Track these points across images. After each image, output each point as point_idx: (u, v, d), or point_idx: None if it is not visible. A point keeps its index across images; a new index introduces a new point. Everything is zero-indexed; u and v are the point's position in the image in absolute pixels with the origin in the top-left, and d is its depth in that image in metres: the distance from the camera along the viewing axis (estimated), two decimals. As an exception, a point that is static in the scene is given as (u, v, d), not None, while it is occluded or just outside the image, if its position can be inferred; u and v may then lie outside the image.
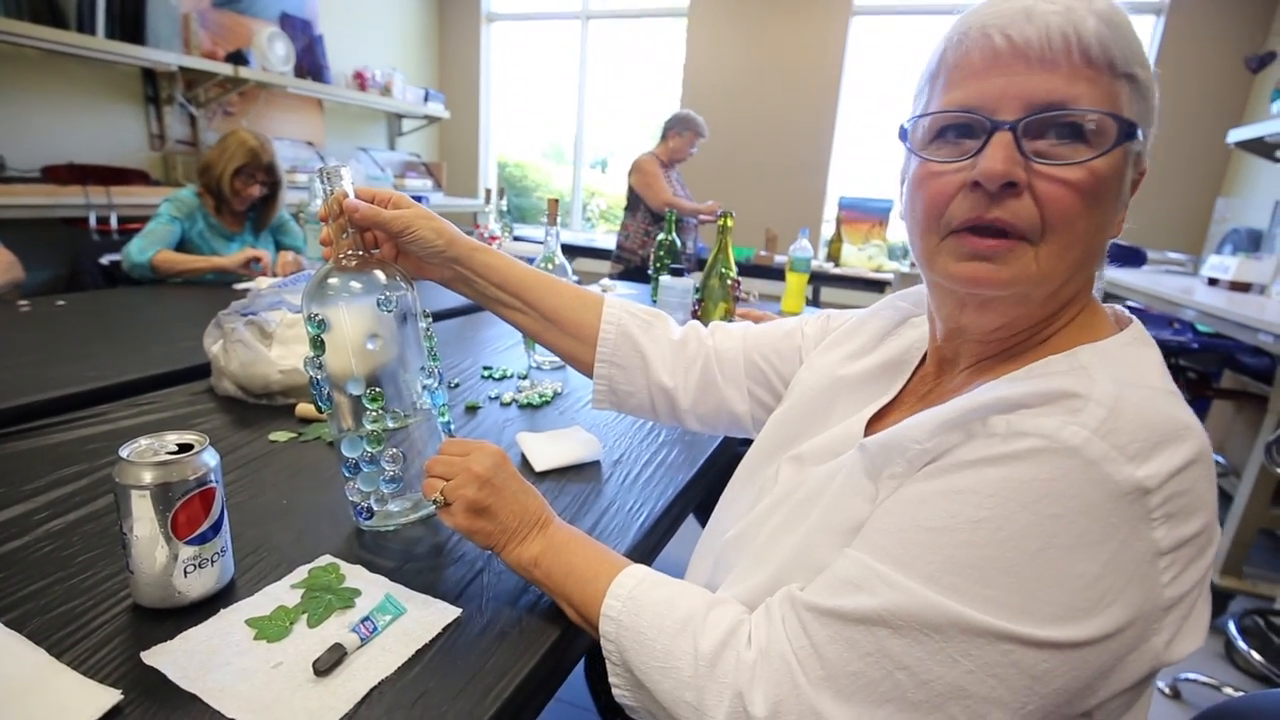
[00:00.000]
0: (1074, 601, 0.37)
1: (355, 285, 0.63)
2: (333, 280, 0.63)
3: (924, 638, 0.39)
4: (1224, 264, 2.67)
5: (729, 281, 1.41)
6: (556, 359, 1.29)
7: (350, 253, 0.65)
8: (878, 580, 0.42)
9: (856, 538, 0.46)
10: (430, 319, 0.68)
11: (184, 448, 0.54)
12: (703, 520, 1.28)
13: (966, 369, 0.55)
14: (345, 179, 0.65)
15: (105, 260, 2.02)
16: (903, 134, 0.52)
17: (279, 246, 2.10)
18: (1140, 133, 0.46)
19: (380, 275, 0.65)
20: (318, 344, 0.62)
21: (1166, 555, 0.38)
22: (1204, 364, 2.68)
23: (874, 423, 0.60)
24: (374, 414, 0.62)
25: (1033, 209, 0.45)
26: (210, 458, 0.54)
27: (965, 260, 0.48)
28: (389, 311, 0.63)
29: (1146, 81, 0.47)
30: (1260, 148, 2.68)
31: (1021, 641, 0.38)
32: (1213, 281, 2.74)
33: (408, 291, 0.65)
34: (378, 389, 0.62)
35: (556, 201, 1.19)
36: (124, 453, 0.52)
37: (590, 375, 0.75)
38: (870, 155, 4.31)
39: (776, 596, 0.48)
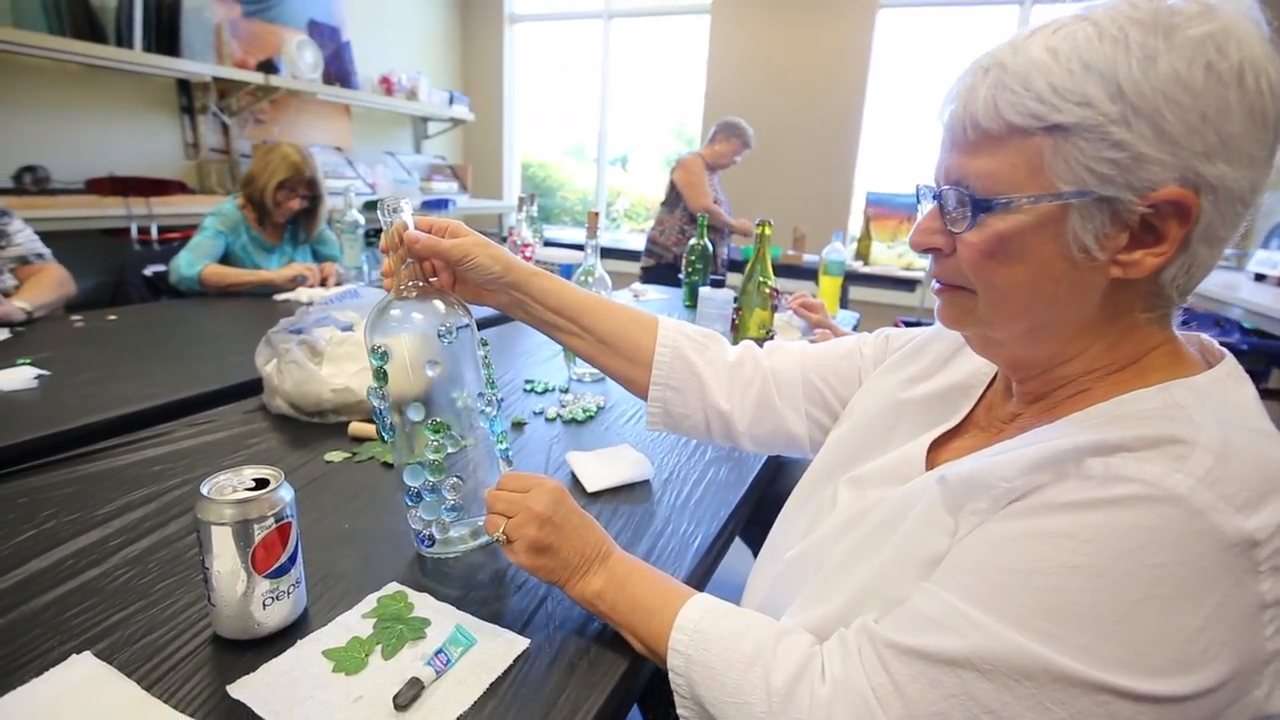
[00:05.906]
0: (1175, 655, 0.37)
1: (417, 316, 0.64)
2: (394, 311, 0.64)
3: (1013, 683, 0.39)
4: (1272, 259, 2.59)
5: (767, 289, 1.40)
6: (596, 371, 1.29)
7: (410, 283, 0.66)
8: (964, 621, 0.41)
9: (936, 572, 0.46)
10: (488, 347, 0.69)
11: (260, 482, 0.55)
12: (746, 538, 1.28)
13: (1037, 401, 0.54)
14: (405, 210, 0.65)
15: (149, 271, 2.06)
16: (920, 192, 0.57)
17: (316, 256, 2.13)
18: (1079, 190, 0.42)
19: (440, 305, 0.65)
20: (381, 375, 0.63)
21: (1271, 608, 0.37)
22: (1250, 363, 2.61)
23: (936, 448, 0.60)
24: (436, 443, 0.63)
25: (958, 267, 0.50)
26: (286, 492, 0.55)
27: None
28: (450, 342, 0.64)
29: (1095, 121, 0.41)
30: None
31: (1118, 693, 0.37)
32: (1259, 277, 2.67)
33: (467, 320, 0.66)
34: (440, 420, 0.63)
35: (596, 215, 1.19)
36: (205, 489, 0.53)
37: (644, 398, 0.75)
38: (899, 149, 4.25)
39: (851, 629, 0.48)
